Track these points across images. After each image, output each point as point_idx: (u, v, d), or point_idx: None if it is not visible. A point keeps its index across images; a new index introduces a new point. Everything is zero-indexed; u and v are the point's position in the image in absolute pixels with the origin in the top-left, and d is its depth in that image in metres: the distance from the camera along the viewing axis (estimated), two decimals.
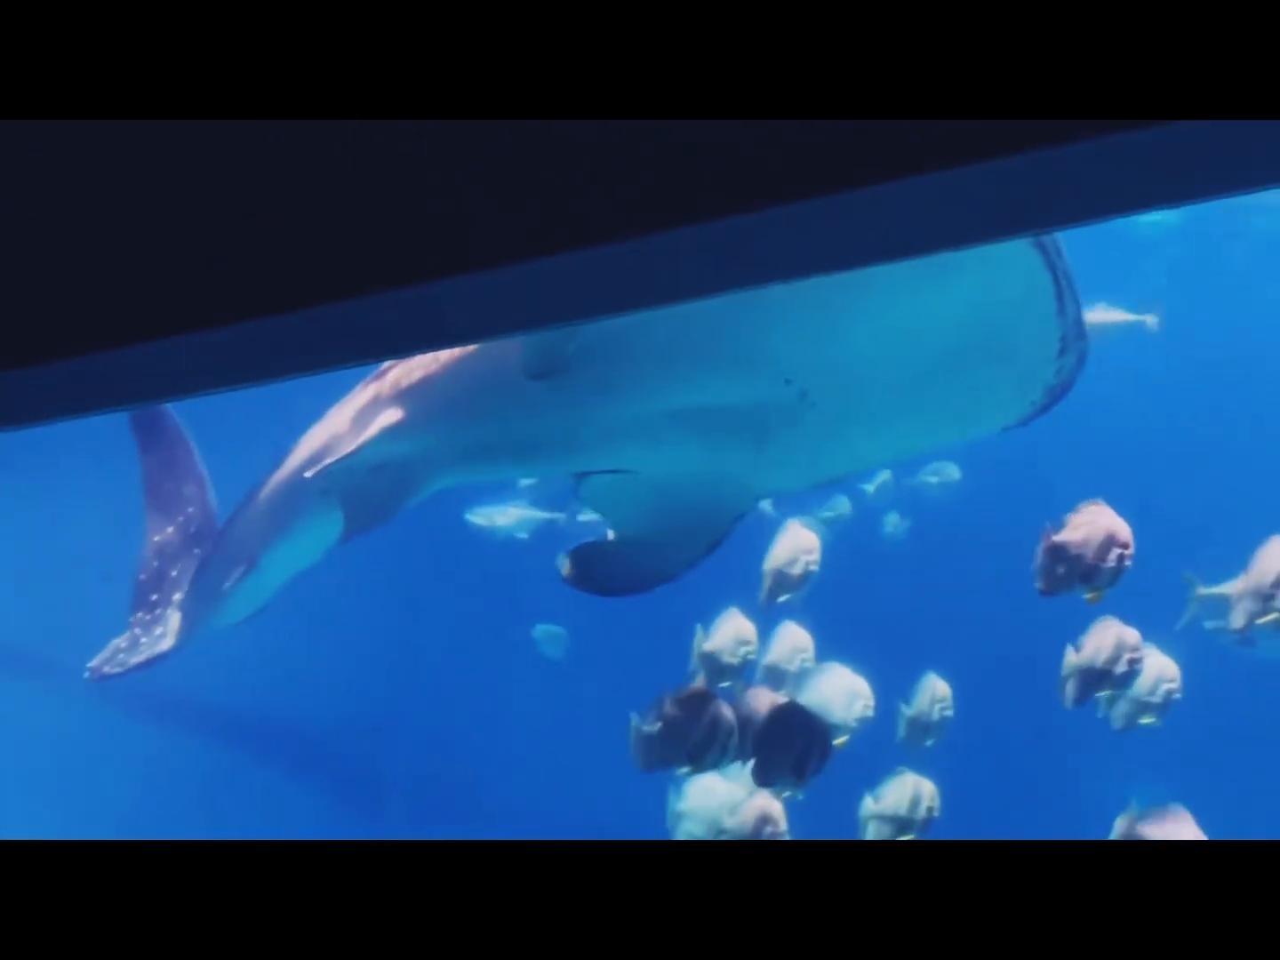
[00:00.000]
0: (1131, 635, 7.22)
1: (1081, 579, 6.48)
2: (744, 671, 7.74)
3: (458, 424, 5.58)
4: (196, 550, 7.09)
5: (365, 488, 5.83)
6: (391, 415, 5.71)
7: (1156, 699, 7.50)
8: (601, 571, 5.66)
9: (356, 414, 5.94)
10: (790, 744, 6.16)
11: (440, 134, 1.10)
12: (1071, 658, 7.20)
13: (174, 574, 7.11)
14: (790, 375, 4.81)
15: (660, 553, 5.57)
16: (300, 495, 6.28)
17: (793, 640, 7.99)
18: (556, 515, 11.90)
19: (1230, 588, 7.44)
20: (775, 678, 7.80)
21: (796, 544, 7.79)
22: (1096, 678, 7.18)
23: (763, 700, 6.34)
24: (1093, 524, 6.47)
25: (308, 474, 5.99)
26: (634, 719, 6.33)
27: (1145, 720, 7.50)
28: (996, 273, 4.36)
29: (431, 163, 1.11)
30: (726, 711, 6.12)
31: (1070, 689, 7.21)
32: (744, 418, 4.97)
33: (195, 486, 7.24)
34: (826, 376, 4.79)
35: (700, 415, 5.03)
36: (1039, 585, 6.57)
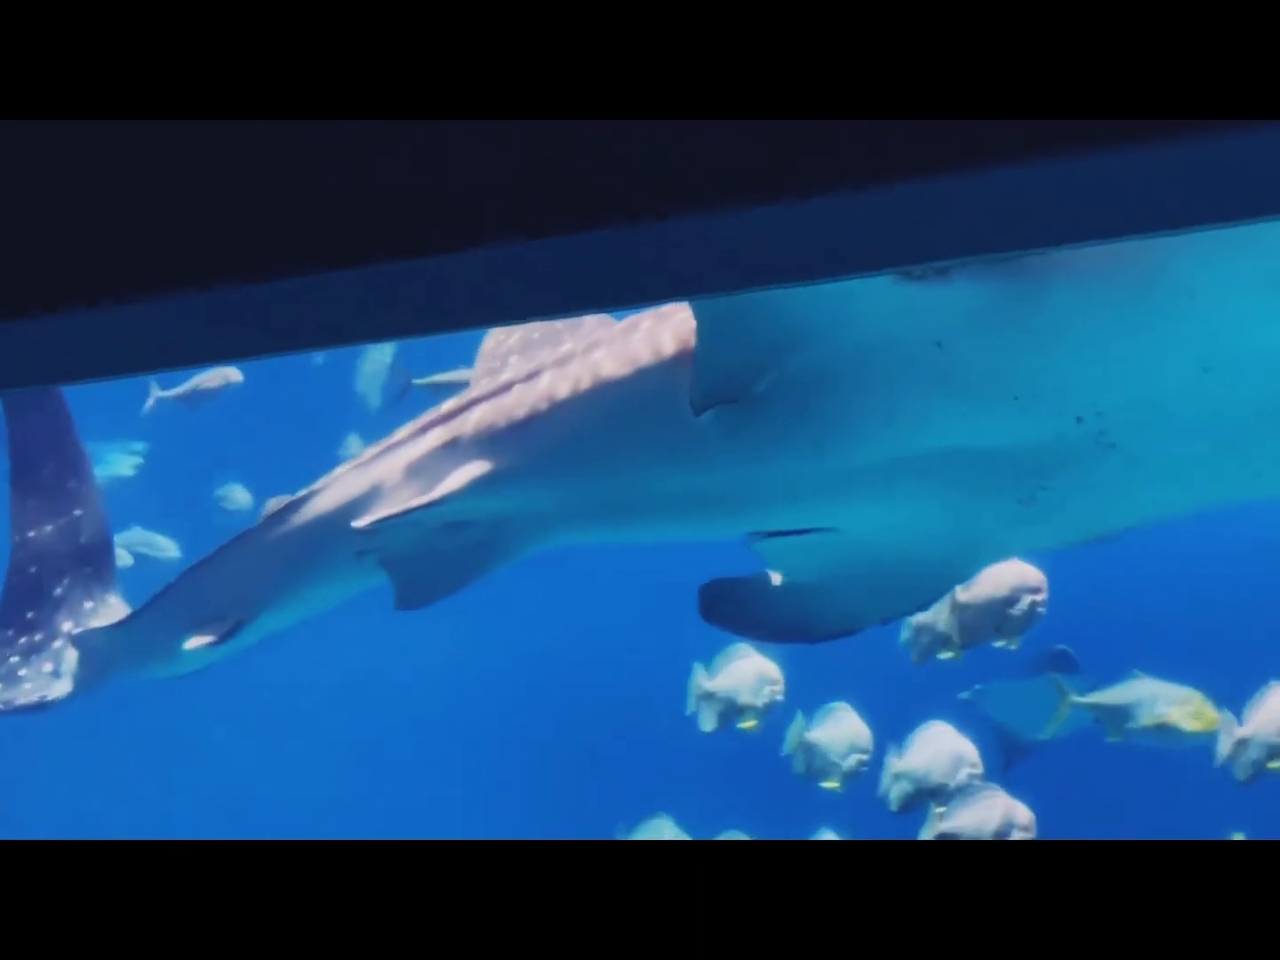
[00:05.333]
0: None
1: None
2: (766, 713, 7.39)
3: (590, 477, 4.39)
4: (87, 569, 5.59)
5: (430, 551, 4.67)
6: (482, 465, 4.50)
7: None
8: (761, 614, 4.53)
9: (416, 462, 4.70)
10: None
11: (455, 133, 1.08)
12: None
13: (58, 592, 5.55)
14: (1083, 412, 3.71)
15: (848, 604, 4.47)
16: (321, 553, 4.93)
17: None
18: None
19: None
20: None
21: (1021, 578, 6.33)
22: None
23: None
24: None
25: (355, 524, 4.72)
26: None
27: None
28: None
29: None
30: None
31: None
32: (1012, 465, 3.88)
33: (85, 485, 5.67)
34: (1133, 413, 3.70)
35: (950, 462, 3.93)
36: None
